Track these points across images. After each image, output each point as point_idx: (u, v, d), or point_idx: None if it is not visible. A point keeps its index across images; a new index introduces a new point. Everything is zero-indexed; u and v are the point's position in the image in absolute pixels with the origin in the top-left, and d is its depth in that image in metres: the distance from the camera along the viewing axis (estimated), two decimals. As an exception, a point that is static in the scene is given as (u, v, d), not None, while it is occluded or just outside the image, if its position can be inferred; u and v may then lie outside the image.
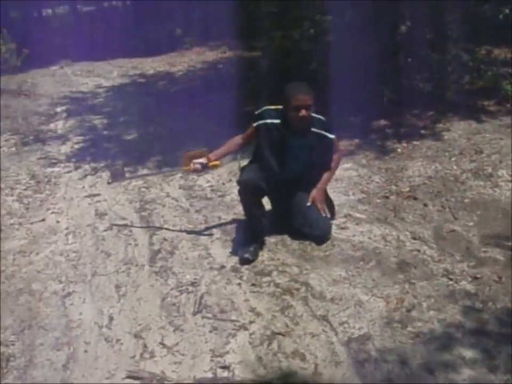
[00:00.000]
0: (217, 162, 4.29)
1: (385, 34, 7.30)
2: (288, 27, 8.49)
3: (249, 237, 4.17)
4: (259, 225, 4.19)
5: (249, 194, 4.07)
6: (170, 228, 4.68)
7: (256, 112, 4.21)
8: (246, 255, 4.01)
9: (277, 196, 4.35)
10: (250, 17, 10.06)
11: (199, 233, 4.55)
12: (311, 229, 4.17)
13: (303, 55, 7.68)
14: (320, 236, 4.18)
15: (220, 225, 4.65)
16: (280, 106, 4.08)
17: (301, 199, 4.25)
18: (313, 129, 4.10)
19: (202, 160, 4.24)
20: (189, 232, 4.57)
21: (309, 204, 4.17)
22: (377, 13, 7.20)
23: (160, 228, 4.68)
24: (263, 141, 4.14)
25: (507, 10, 6.87)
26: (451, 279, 3.63)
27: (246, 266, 3.96)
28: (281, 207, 4.40)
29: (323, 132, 4.15)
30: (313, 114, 4.08)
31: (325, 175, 4.31)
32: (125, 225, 4.78)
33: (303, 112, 3.92)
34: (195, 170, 4.33)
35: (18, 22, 17.10)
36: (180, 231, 4.61)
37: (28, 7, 19.17)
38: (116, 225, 4.80)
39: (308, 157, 4.15)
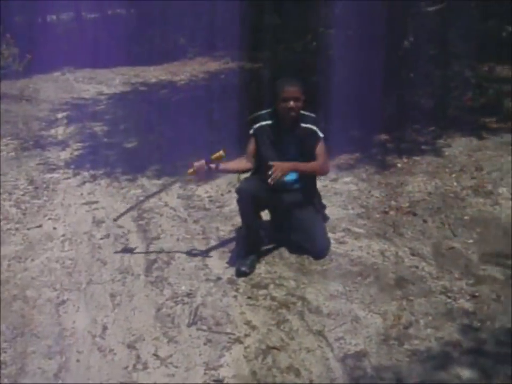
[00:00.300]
0: (220, 152, 4.14)
1: (388, 49, 7.30)
2: (290, 39, 8.52)
3: (246, 248, 4.15)
4: (256, 236, 4.16)
5: (247, 203, 4.03)
6: (168, 237, 4.66)
7: (249, 118, 4.24)
8: (243, 268, 3.98)
9: (275, 206, 4.31)
10: (254, 29, 10.10)
11: (196, 244, 4.51)
12: (311, 244, 4.15)
13: (305, 68, 7.68)
14: (320, 252, 4.16)
15: (217, 236, 4.62)
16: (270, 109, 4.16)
17: (300, 214, 4.23)
18: (303, 125, 4.16)
19: (202, 161, 4.10)
20: (186, 243, 4.54)
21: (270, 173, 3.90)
22: (380, 28, 7.20)
23: (157, 238, 4.66)
24: (261, 143, 4.17)
25: (510, 28, 6.88)
26: (449, 297, 3.60)
27: (243, 278, 3.93)
28: (280, 219, 4.37)
29: (313, 127, 4.18)
30: (304, 112, 4.16)
31: (305, 164, 4.13)
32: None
33: (291, 104, 4.00)
34: (199, 170, 4.10)
35: (22, 27, 17.09)
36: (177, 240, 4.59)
37: (33, 12, 19.21)
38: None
39: (299, 152, 4.17)
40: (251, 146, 4.19)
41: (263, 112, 4.24)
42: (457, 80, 7.43)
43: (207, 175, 4.26)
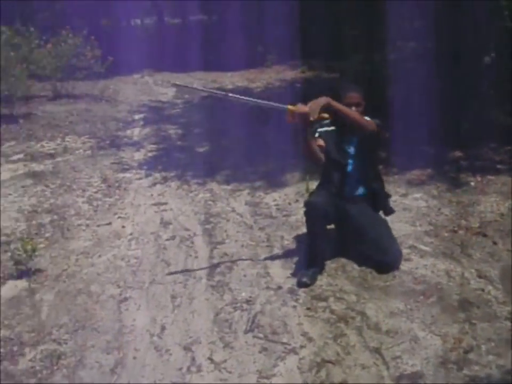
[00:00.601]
0: (326, 115, 4.01)
1: (468, 64, 7.14)
2: (369, 50, 8.45)
3: (309, 261, 4.11)
4: (321, 251, 4.13)
5: (315, 217, 4.02)
6: (232, 243, 4.69)
7: (311, 129, 4.14)
8: (304, 279, 3.95)
9: (342, 219, 4.26)
10: (333, 39, 10.08)
11: (260, 251, 4.52)
12: (383, 256, 4.08)
13: (381, 80, 7.60)
14: (392, 264, 4.11)
15: (281, 245, 4.61)
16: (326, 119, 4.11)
17: (369, 226, 4.17)
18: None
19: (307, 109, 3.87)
20: (249, 249, 4.56)
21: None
22: (461, 42, 7.06)
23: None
24: (327, 146, 4.20)
25: None
26: (515, 323, 3.47)
27: (303, 289, 3.90)
28: (347, 231, 4.31)
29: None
30: (366, 117, 4.11)
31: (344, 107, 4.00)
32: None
33: (353, 109, 4.03)
34: (300, 111, 3.84)
35: (107, 30, 17.66)
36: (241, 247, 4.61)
37: (118, 16, 19.80)
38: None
39: (360, 151, 4.21)
40: (320, 143, 4.18)
41: (321, 122, 4.21)
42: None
43: (302, 120, 3.92)
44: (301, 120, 3.89)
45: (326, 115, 3.98)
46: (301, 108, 3.84)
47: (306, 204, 4.12)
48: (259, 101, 4.19)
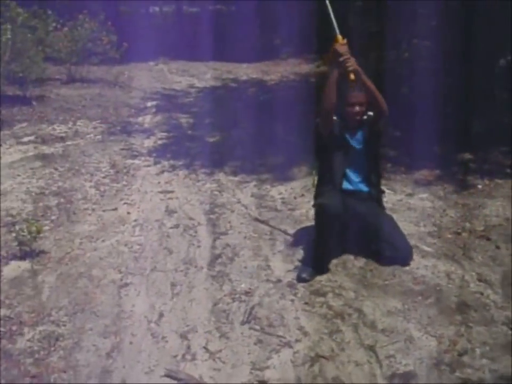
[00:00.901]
0: (353, 77, 3.95)
1: (483, 66, 7.10)
2: (384, 48, 8.41)
3: (316, 266, 4.05)
4: (327, 255, 4.12)
5: (328, 221, 3.97)
6: (235, 234, 4.71)
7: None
8: (304, 275, 3.97)
9: (351, 219, 4.24)
10: (349, 35, 10.03)
11: (262, 243, 4.53)
12: (395, 252, 4.11)
13: (395, 78, 7.57)
14: (406, 258, 4.15)
15: (284, 238, 4.62)
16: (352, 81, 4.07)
17: (378, 223, 4.18)
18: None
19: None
20: (252, 241, 4.57)
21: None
22: (477, 43, 7.01)
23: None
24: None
25: None
26: (511, 329, 3.45)
27: (302, 284, 3.91)
28: (356, 229, 4.29)
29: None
30: (370, 113, 4.20)
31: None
32: None
33: (357, 109, 4.14)
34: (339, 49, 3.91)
35: (125, 16, 17.65)
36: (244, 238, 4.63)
37: (137, 3, 19.78)
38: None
39: (366, 141, 4.24)
40: (351, 77, 4.02)
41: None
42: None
43: (334, 55, 3.96)
44: (333, 55, 3.95)
45: (353, 76, 3.93)
46: (343, 47, 3.90)
47: (319, 207, 4.07)
48: (331, 14, 4.05)
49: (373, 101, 4.07)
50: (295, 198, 5.47)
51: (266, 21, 15.56)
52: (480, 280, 3.98)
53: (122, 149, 7.03)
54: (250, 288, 3.88)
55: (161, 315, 3.60)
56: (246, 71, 13.03)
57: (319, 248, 4.08)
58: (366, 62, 8.84)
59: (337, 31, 3.95)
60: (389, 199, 5.18)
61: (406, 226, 4.68)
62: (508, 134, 6.87)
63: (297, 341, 3.33)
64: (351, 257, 4.22)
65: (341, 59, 3.89)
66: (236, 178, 6.02)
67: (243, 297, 3.78)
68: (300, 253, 4.34)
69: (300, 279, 3.95)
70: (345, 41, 3.92)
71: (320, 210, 4.06)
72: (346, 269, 4.11)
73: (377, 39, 8.32)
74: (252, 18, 15.86)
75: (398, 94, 7.11)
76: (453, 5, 7.26)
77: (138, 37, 13.01)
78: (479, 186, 5.66)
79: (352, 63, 3.87)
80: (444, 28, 7.25)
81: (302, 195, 5.46)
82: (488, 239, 4.58)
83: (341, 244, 4.25)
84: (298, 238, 4.61)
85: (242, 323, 3.51)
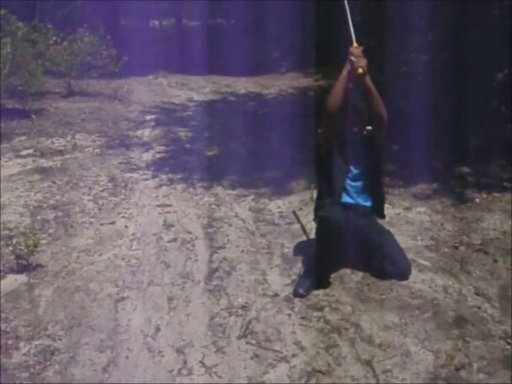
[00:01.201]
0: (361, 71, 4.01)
1: (481, 79, 7.11)
2: (382, 62, 8.43)
3: (315, 274, 4.05)
4: (327, 270, 4.10)
5: (330, 234, 3.93)
6: (233, 248, 4.70)
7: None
8: (300, 290, 3.94)
9: (352, 233, 4.22)
10: (347, 49, 10.06)
11: (260, 257, 4.53)
12: (393, 267, 4.12)
13: (393, 92, 7.59)
14: (405, 274, 4.15)
15: (281, 252, 4.62)
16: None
17: (378, 238, 4.21)
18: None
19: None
20: (249, 255, 4.57)
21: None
22: (474, 57, 7.03)
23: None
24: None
25: None
26: (509, 343, 3.45)
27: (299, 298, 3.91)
28: (357, 244, 4.27)
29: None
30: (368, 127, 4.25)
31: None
32: None
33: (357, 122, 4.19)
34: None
35: (125, 30, 17.76)
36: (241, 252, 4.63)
37: (137, 17, 19.91)
38: None
39: (365, 155, 4.25)
40: (360, 70, 4.05)
41: None
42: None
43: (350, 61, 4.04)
44: (348, 55, 4.04)
45: (361, 70, 3.98)
46: (357, 50, 4.02)
47: (321, 219, 4.04)
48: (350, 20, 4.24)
49: (375, 110, 4.06)
50: (293, 212, 5.46)
51: (265, 35, 15.65)
52: (477, 294, 3.97)
53: (120, 163, 7.04)
54: (247, 303, 3.88)
55: (157, 329, 3.59)
56: (244, 85, 13.06)
57: (321, 262, 4.05)
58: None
59: (354, 38, 4.10)
60: (387, 212, 5.12)
61: (403, 240, 4.68)
62: (505, 147, 6.89)
63: (294, 355, 3.33)
64: (348, 271, 4.21)
65: (354, 58, 3.98)
66: (234, 192, 6.02)
67: (240, 311, 3.78)
68: (297, 267, 4.34)
69: (296, 294, 3.94)
70: (360, 48, 4.05)
71: (323, 222, 4.02)
72: (344, 283, 4.11)
73: (375, 53, 8.33)
74: (251, 32, 15.96)
75: (396, 108, 7.10)
76: (451, 20, 7.29)
77: (138, 51, 13.10)
78: (477, 200, 5.65)
79: (363, 62, 3.95)
80: (441, 42, 7.29)
81: (300, 209, 5.46)
82: (486, 252, 4.58)
83: (340, 257, 4.22)
84: (296, 252, 4.60)
85: (239, 337, 3.50)
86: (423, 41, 7.58)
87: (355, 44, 4.08)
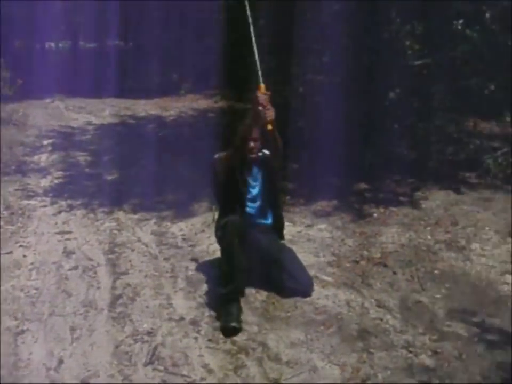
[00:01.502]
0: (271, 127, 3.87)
1: (374, 99, 7.39)
2: (280, 83, 8.61)
3: (230, 295, 3.92)
4: (241, 279, 4.01)
5: (235, 237, 3.91)
6: (136, 273, 4.62)
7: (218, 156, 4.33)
8: (233, 324, 3.75)
9: (253, 249, 4.25)
10: (247, 70, 10.19)
11: (164, 281, 4.48)
12: (296, 284, 4.16)
13: (291, 112, 7.75)
14: (308, 290, 4.21)
15: (185, 275, 4.58)
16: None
17: (279, 254, 4.26)
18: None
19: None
20: (153, 280, 4.51)
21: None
22: (367, 77, 7.30)
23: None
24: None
25: (493, 86, 6.98)
26: (411, 352, 3.57)
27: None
28: (257, 261, 4.29)
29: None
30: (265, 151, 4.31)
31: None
32: None
33: (252, 144, 4.20)
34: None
35: (20, 52, 17.27)
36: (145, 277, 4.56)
37: (33, 39, 19.40)
38: None
39: (265, 179, 4.30)
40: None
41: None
42: (440, 134, 7.51)
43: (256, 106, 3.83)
44: (255, 103, 3.81)
45: (270, 127, 3.85)
46: (265, 97, 3.76)
47: (225, 225, 4.00)
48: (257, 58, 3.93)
49: (273, 146, 4.10)
50: (195, 234, 5.45)
51: (165, 57, 15.62)
52: (379, 306, 4.10)
53: (17, 189, 6.80)
54: (152, 328, 3.81)
55: (60, 361, 3.46)
56: (144, 107, 12.98)
57: (233, 270, 3.95)
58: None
59: (261, 80, 3.84)
60: (289, 231, 5.27)
61: (305, 257, 4.77)
62: (399, 163, 7.19)
63: (202, 379, 3.29)
64: (253, 290, 4.24)
65: (262, 109, 3.77)
66: (136, 216, 5.93)
67: (145, 337, 3.71)
68: (202, 290, 4.32)
69: (229, 330, 3.73)
70: (268, 92, 3.81)
71: (229, 226, 3.97)
72: (249, 302, 4.12)
73: (276, 74, 8.50)
74: (150, 55, 15.89)
75: (294, 128, 7.28)
76: (343, 41, 7.55)
77: (34, 74, 12.77)
78: (375, 215, 5.85)
79: (271, 115, 3.77)
80: (336, 64, 7.52)
81: (203, 231, 5.46)
82: (385, 265, 4.74)
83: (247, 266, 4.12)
84: (200, 274, 4.59)
85: (146, 364, 3.43)
86: (318, 62, 7.80)
87: (262, 88, 3.80)
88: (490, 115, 8.71)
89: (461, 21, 6.90)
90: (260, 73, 3.89)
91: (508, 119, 7.23)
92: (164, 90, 14.47)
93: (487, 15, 6.79)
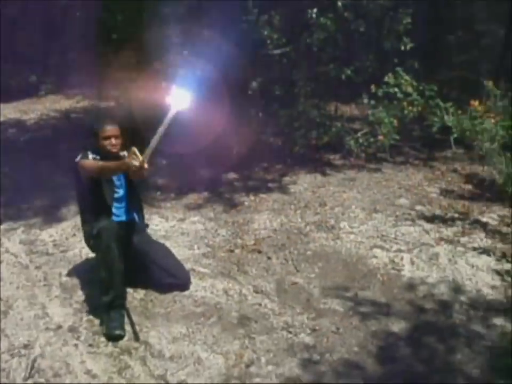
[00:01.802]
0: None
1: (238, 89, 7.49)
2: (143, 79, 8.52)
3: (113, 303, 3.83)
4: (123, 285, 3.93)
5: (112, 241, 3.84)
6: (7, 285, 4.43)
7: (80, 155, 4.18)
8: (118, 332, 3.69)
9: (128, 249, 4.19)
10: (108, 67, 10.00)
11: (37, 291, 4.33)
12: (173, 278, 4.17)
13: (155, 109, 7.69)
14: (186, 283, 4.23)
15: (59, 282, 4.45)
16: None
17: (153, 251, 4.24)
18: (122, 154, 4.24)
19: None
20: (26, 290, 4.34)
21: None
22: (231, 68, 7.38)
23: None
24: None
25: (349, 71, 7.29)
26: (290, 332, 3.69)
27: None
28: (132, 260, 4.23)
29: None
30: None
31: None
32: None
33: (113, 141, 4.17)
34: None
35: None
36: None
37: None
38: None
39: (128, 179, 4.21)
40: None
41: (89, 150, 4.21)
42: (303, 119, 7.73)
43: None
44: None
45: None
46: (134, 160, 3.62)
47: (100, 230, 3.89)
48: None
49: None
50: (66, 238, 5.29)
51: (19, 58, 14.92)
52: (256, 292, 4.19)
53: None
54: (29, 340, 3.68)
55: None
56: (2, 112, 12.33)
57: (113, 275, 3.85)
58: (126, 92, 8.93)
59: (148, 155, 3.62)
60: (162, 226, 5.28)
61: (180, 251, 4.79)
62: (266, 151, 7.35)
63: (85, 385, 3.24)
64: (131, 290, 4.18)
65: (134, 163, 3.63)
66: (2, 226, 5.67)
67: (23, 351, 3.57)
68: (78, 295, 4.22)
69: (115, 337, 3.66)
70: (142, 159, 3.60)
71: (100, 232, 3.89)
72: (127, 302, 4.07)
73: (137, 70, 8.41)
74: (3, 57, 15.13)
75: (158, 123, 7.22)
76: (205, 34, 7.58)
77: None
78: (246, 203, 5.96)
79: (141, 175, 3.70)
80: (197, 56, 7.53)
81: (74, 235, 5.31)
82: (260, 251, 4.85)
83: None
84: (74, 279, 4.47)
85: (25, 379, 3.31)
86: (179, 56, 7.78)
87: (146, 154, 3.59)
88: (350, 98, 9.12)
89: (315, 10, 7.14)
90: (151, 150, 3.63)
91: (366, 101, 7.57)
92: (23, 93, 13.83)
93: (339, 3, 7.07)
